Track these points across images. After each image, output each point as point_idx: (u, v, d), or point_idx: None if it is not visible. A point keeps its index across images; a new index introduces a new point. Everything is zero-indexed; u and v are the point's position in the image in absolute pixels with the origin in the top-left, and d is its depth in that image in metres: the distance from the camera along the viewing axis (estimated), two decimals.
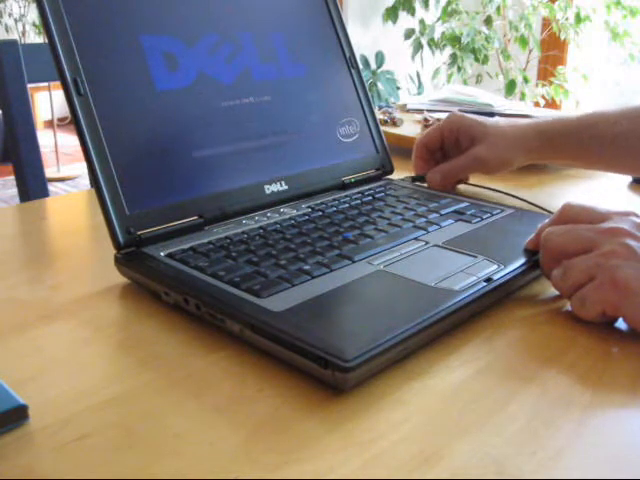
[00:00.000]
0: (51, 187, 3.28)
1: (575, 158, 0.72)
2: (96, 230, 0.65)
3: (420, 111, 1.14)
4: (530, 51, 3.05)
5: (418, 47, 3.13)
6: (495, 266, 0.49)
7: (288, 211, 0.60)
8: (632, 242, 0.44)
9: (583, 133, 0.70)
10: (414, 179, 0.73)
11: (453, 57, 3.01)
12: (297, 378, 0.39)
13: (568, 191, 0.79)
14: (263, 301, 0.43)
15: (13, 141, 0.98)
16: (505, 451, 0.33)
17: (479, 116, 0.74)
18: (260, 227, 0.56)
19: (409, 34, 3.15)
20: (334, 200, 0.64)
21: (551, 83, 3.00)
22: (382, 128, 0.74)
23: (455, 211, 0.61)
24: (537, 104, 2.92)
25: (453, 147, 0.74)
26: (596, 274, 0.43)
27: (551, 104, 2.99)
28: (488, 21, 2.98)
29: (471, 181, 0.76)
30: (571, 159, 0.72)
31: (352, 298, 0.45)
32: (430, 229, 0.56)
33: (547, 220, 0.51)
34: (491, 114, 1.05)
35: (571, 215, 0.49)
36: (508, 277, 0.48)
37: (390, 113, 1.06)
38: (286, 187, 0.62)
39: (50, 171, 3.52)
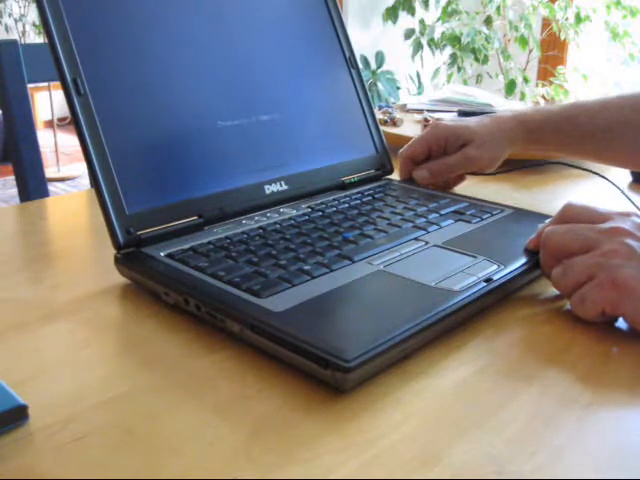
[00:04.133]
0: (51, 187, 3.28)
1: (557, 149, 0.73)
2: (96, 230, 0.65)
3: (420, 111, 1.14)
4: (530, 51, 3.05)
5: (418, 47, 3.13)
6: (495, 266, 0.49)
7: (288, 211, 0.60)
8: (633, 242, 0.44)
9: (564, 124, 0.71)
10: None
11: (453, 57, 3.01)
12: (297, 378, 0.39)
13: (568, 191, 0.80)
14: (263, 301, 0.43)
15: (13, 141, 0.98)
16: (505, 451, 0.33)
17: (461, 119, 0.75)
18: (260, 227, 0.56)
19: (409, 34, 3.15)
20: (334, 200, 0.64)
21: (551, 83, 3.00)
22: (382, 128, 0.74)
23: (455, 211, 0.61)
24: (537, 104, 2.91)
25: (441, 156, 0.73)
26: (596, 273, 0.44)
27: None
28: (488, 21, 2.98)
29: (469, 186, 0.76)
30: (553, 150, 0.74)
31: (352, 298, 0.45)
32: (430, 229, 0.56)
33: (548, 220, 0.51)
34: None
35: (572, 215, 0.49)
36: (508, 277, 0.48)
37: (390, 113, 1.06)
38: (286, 187, 0.62)
39: (50, 171, 3.52)
